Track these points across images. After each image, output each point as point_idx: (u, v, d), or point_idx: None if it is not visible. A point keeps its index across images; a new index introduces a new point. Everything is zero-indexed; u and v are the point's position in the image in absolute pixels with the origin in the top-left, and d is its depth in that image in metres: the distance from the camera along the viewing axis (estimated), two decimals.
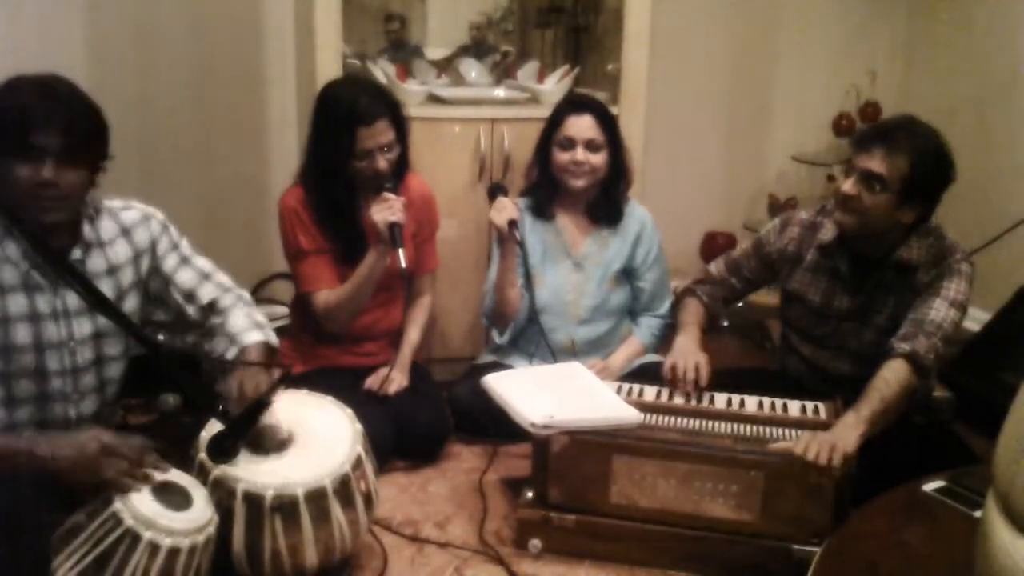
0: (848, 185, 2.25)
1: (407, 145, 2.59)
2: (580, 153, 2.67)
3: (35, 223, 1.76)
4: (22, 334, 1.78)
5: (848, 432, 2.03)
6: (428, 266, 2.79)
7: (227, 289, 2.07)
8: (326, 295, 2.56)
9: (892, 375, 2.15)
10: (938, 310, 2.22)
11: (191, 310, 2.02)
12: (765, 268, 2.56)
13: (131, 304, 1.96)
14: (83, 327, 1.86)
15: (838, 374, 2.45)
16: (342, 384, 2.48)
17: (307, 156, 2.57)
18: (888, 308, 2.36)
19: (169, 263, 2.01)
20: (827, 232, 2.41)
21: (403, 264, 2.43)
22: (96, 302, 1.76)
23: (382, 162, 2.47)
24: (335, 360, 2.68)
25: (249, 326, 2.01)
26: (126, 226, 1.95)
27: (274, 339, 2.06)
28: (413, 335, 2.74)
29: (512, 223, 2.63)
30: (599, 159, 2.68)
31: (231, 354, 1.96)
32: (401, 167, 2.59)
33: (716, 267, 2.66)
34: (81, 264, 1.85)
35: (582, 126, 2.67)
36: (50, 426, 1.86)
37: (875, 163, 2.20)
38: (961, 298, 2.25)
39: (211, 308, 2.03)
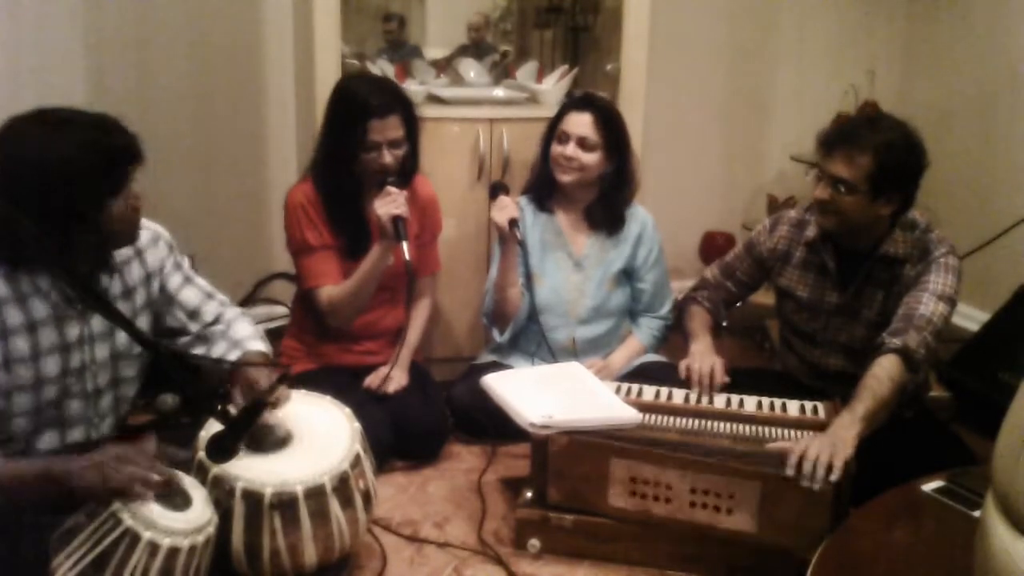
0: (820, 190, 2.28)
1: (417, 145, 2.60)
2: (571, 148, 2.67)
3: (119, 248, 1.85)
4: (51, 366, 1.79)
5: (845, 433, 2.02)
6: (430, 268, 2.79)
7: (227, 305, 2.12)
8: (330, 290, 2.56)
9: (884, 371, 2.15)
10: (927, 304, 2.22)
11: (194, 327, 2.05)
12: (758, 268, 2.58)
13: (143, 324, 1.98)
14: (103, 350, 1.88)
15: (832, 370, 2.47)
16: (342, 383, 2.48)
17: (318, 147, 2.58)
18: (877, 303, 2.37)
19: (174, 282, 2.03)
20: (813, 228, 2.43)
21: (407, 256, 2.43)
22: (120, 323, 1.77)
23: (388, 157, 2.49)
24: (336, 358, 2.68)
25: (253, 335, 2.06)
26: (139, 247, 1.96)
27: (270, 350, 2.10)
28: (413, 335, 2.74)
29: (513, 222, 2.64)
30: (590, 158, 2.68)
31: (233, 357, 1.99)
32: (409, 166, 2.60)
33: (711, 272, 2.67)
34: (106, 291, 1.87)
35: (579, 122, 2.67)
36: (69, 450, 1.84)
37: (838, 167, 2.23)
38: (949, 291, 2.25)
39: (214, 322, 2.07)
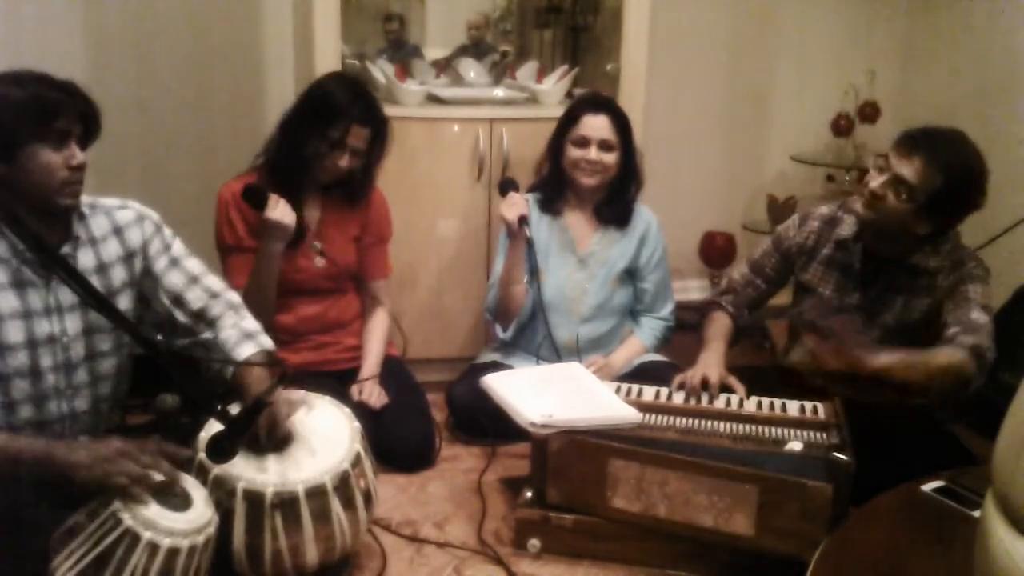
0: (877, 184, 2.25)
1: (378, 162, 2.57)
2: (594, 152, 2.67)
3: (59, 210, 1.81)
4: (14, 332, 1.78)
5: (875, 352, 2.11)
6: (379, 272, 2.74)
7: (215, 295, 2.04)
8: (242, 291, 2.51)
9: (946, 353, 2.17)
10: (978, 315, 2.26)
11: (180, 315, 2.00)
12: (785, 264, 2.56)
13: (124, 303, 1.95)
14: (75, 323, 1.86)
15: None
16: (319, 384, 2.42)
17: (278, 141, 2.52)
18: (896, 308, 2.37)
19: (159, 265, 1.99)
20: (846, 227, 2.42)
21: (320, 264, 2.50)
22: (90, 297, 1.76)
23: (344, 160, 2.47)
24: (296, 360, 2.59)
25: (239, 339, 1.99)
26: (119, 225, 1.95)
27: (268, 343, 2.03)
28: (375, 347, 2.69)
29: (523, 219, 2.64)
30: (611, 159, 2.69)
31: (227, 373, 1.96)
32: (361, 181, 2.57)
33: (739, 272, 2.65)
34: (72, 260, 1.85)
35: (597, 126, 2.67)
36: (47, 424, 1.86)
37: (910, 171, 2.20)
38: (989, 303, 2.30)
39: (200, 317, 2.01)
